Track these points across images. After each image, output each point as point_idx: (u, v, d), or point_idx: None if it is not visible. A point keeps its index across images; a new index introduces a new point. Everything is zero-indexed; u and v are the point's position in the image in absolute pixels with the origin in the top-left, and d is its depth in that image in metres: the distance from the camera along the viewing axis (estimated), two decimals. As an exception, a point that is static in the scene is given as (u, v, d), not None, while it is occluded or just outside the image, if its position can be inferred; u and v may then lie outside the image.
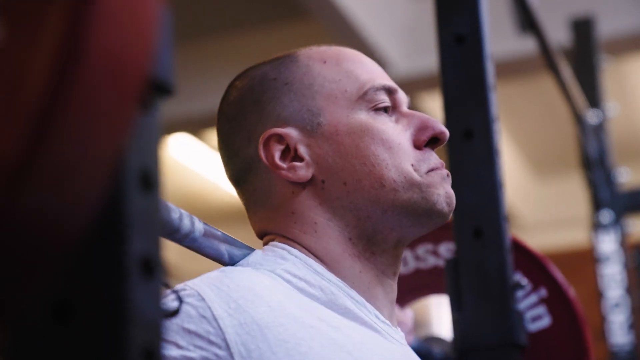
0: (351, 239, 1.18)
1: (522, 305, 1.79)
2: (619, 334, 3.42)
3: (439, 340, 1.89)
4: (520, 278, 1.74)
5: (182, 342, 1.00)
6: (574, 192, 6.36)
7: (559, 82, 2.99)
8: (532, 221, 7.73)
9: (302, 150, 1.19)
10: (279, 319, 1.05)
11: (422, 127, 1.21)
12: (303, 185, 1.19)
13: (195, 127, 5.65)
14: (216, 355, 1.00)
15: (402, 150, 1.18)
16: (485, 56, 1.55)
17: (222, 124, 1.26)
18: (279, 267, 1.15)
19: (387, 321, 1.18)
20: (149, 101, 0.57)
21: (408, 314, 1.62)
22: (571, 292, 1.82)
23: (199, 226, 1.10)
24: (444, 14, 1.58)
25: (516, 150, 7.63)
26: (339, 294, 1.14)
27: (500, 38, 2.94)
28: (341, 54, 1.25)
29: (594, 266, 3.52)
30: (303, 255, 1.17)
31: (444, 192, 1.19)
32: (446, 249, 1.90)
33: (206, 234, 1.11)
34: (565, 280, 1.83)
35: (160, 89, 0.58)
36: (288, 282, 1.13)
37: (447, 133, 1.23)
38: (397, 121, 1.22)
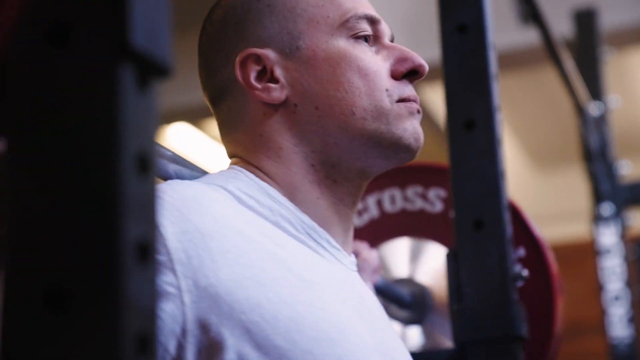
0: (314, 165, 1.19)
1: None
2: (618, 327, 3.43)
3: (408, 282, 1.89)
4: (520, 269, 1.76)
5: None
6: (574, 185, 6.35)
7: (560, 74, 2.99)
8: (532, 214, 7.74)
9: (279, 72, 1.19)
10: (223, 230, 1.05)
11: (401, 59, 1.22)
12: (275, 107, 1.19)
13: (195, 116, 5.63)
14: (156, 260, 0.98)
15: (378, 77, 1.19)
16: (488, 46, 1.54)
17: (203, 43, 1.26)
18: (231, 184, 1.15)
19: (338, 246, 1.19)
20: (146, 82, 0.56)
21: (373, 254, 1.61)
22: (549, 255, 1.85)
23: None
24: (447, 3, 1.58)
25: (516, 143, 7.62)
26: (287, 217, 1.15)
27: (502, 29, 2.92)
28: None
29: (594, 259, 3.53)
30: (258, 179, 1.17)
31: (411, 127, 1.20)
32: (435, 194, 1.93)
33: None
34: (544, 241, 1.87)
35: (158, 70, 0.57)
36: (237, 198, 1.13)
37: (426, 67, 1.23)
38: (377, 52, 1.22)
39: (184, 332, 0.98)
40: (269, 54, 1.20)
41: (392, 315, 1.90)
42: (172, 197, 1.04)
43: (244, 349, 0.99)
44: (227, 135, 1.24)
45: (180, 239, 1.01)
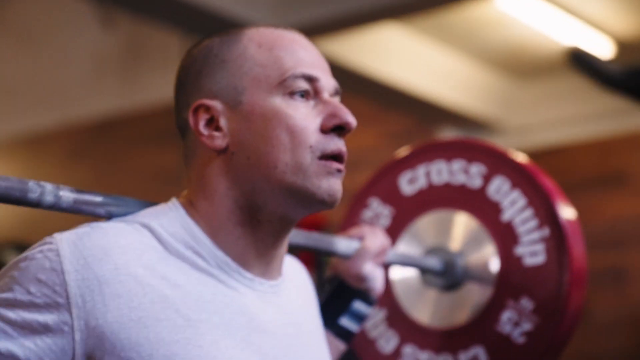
0: (242, 207, 1.38)
1: (525, 239, 2.02)
2: None
3: (442, 251, 2.09)
4: (529, 213, 1.99)
5: (32, 289, 1.25)
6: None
7: None
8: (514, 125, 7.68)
9: (223, 122, 1.39)
10: (120, 277, 1.27)
11: (331, 115, 1.40)
12: (218, 153, 1.39)
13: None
14: (56, 302, 1.24)
15: (304, 135, 1.37)
16: None
17: (175, 84, 1.47)
18: (155, 221, 1.36)
19: (252, 276, 1.40)
20: None
21: (376, 240, 1.84)
22: (572, 237, 2.00)
23: (67, 198, 1.34)
24: None
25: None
26: (201, 252, 1.36)
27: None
28: (277, 39, 1.42)
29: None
30: (187, 216, 1.39)
31: (326, 185, 1.38)
32: (477, 170, 2.10)
33: (76, 203, 1.35)
34: (571, 223, 2.02)
35: None
36: (157, 235, 1.35)
37: (353, 123, 1.40)
38: (315, 105, 1.40)
39: None
40: (217, 105, 1.39)
41: (427, 283, 2.12)
42: (84, 245, 1.28)
43: None
44: (185, 167, 1.45)
45: (80, 285, 1.25)
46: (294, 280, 1.57)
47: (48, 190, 1.31)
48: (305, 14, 4.83)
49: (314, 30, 4.92)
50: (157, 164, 7.53)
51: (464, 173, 2.12)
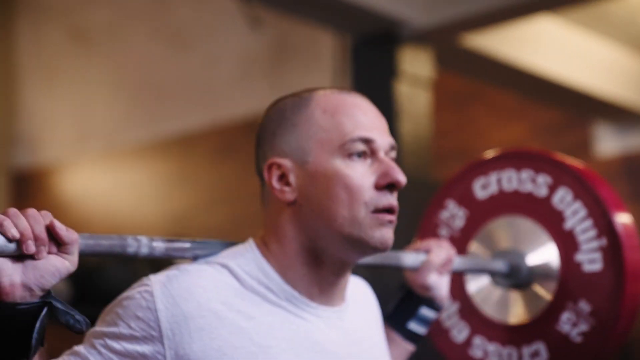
0: (307, 250, 1.62)
1: (585, 247, 2.21)
2: None
3: (510, 254, 2.30)
4: (589, 224, 2.19)
5: (132, 324, 1.51)
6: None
7: None
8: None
9: (292, 178, 1.62)
10: (202, 312, 1.53)
11: (384, 174, 1.61)
12: (288, 204, 1.63)
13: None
14: (152, 335, 1.51)
15: (360, 192, 1.59)
16: None
17: (255, 138, 1.71)
18: (233, 261, 1.61)
19: (316, 305, 1.64)
20: None
21: (441, 254, 2.05)
22: (628, 251, 2.17)
23: (160, 248, 1.58)
24: None
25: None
26: (272, 287, 1.60)
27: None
28: (340, 105, 1.64)
29: None
30: (261, 256, 1.63)
31: (378, 235, 1.61)
32: (543, 180, 2.29)
33: (168, 250, 1.59)
34: (626, 236, 2.19)
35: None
36: (234, 273, 1.60)
37: (403, 181, 1.61)
38: (371, 164, 1.62)
39: None
40: (287, 163, 1.62)
41: (496, 283, 2.33)
42: (172, 286, 1.53)
43: None
44: (262, 211, 1.68)
45: (170, 320, 1.51)
46: (358, 301, 1.81)
47: (143, 243, 1.56)
48: (457, 9, 4.87)
49: (466, 25, 4.99)
50: None
51: (531, 182, 2.31)
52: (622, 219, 2.21)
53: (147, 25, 8.62)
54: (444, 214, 2.44)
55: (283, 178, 1.63)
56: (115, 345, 1.52)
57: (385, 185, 1.61)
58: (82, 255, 1.46)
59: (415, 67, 4.99)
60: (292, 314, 1.62)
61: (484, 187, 2.38)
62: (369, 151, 1.63)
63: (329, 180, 1.60)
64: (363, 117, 1.64)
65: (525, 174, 2.32)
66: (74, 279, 4.65)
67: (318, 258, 1.63)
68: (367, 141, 1.62)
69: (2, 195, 9.69)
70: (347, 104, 1.65)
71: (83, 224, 8.60)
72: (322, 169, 1.61)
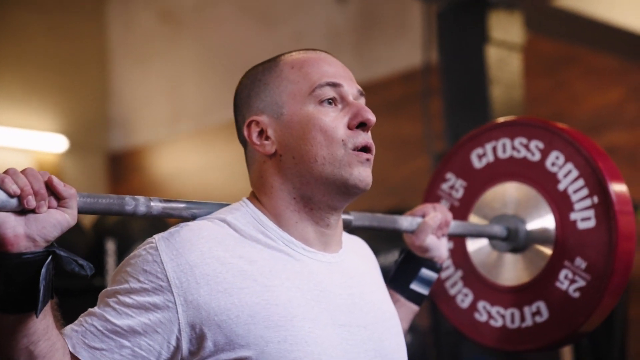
0: (295, 198, 1.73)
1: (578, 206, 2.29)
2: None
3: (508, 218, 2.38)
4: (581, 183, 2.27)
5: (141, 278, 1.61)
6: None
7: None
8: None
9: (270, 132, 1.74)
10: (206, 260, 1.62)
11: (354, 114, 1.72)
12: (269, 157, 1.74)
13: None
14: (161, 286, 1.60)
15: (335, 133, 1.70)
16: None
17: (233, 107, 1.83)
18: (230, 215, 1.72)
19: (315, 251, 1.74)
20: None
21: (437, 216, 2.13)
22: (617, 203, 2.25)
23: (157, 207, 1.68)
24: None
25: None
26: (270, 235, 1.70)
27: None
28: (306, 60, 1.76)
29: None
30: (255, 208, 1.74)
31: (356, 173, 1.71)
32: (535, 145, 2.38)
33: (165, 210, 1.69)
34: (617, 193, 2.26)
35: None
36: (232, 225, 1.70)
37: (373, 119, 1.73)
38: (342, 109, 1.73)
39: (179, 330, 1.59)
40: (264, 119, 1.74)
41: (495, 248, 2.41)
42: (175, 239, 1.63)
43: (218, 338, 1.59)
44: (248, 172, 1.79)
45: (176, 269, 1.60)
46: (358, 253, 1.91)
47: (141, 202, 1.66)
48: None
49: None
50: (394, 133, 7.76)
51: (524, 148, 2.40)
52: (611, 176, 2.29)
53: (234, 4, 8.85)
54: (444, 186, 2.53)
55: (262, 133, 1.74)
56: (128, 299, 1.61)
57: (357, 124, 1.72)
58: (82, 213, 1.56)
59: (506, 32, 4.94)
60: (293, 258, 1.71)
61: (480, 157, 2.47)
62: (339, 97, 1.74)
63: (305, 126, 1.71)
64: (328, 67, 1.76)
65: (518, 141, 2.41)
66: None
67: (307, 205, 1.73)
68: (334, 85, 1.74)
69: (99, 175, 10.10)
70: (313, 58, 1.77)
71: (176, 202, 8.83)
72: (297, 117, 1.72)
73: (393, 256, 5.48)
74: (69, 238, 4.28)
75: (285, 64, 1.77)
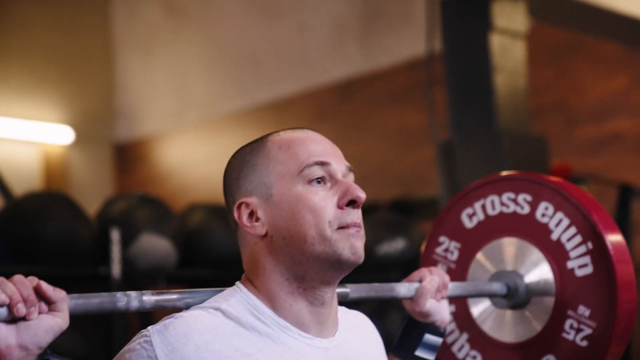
0: (288, 279, 1.71)
1: (573, 253, 2.28)
2: None
3: (506, 275, 2.37)
4: (574, 231, 2.27)
5: None
6: None
7: None
8: None
9: (260, 213, 1.72)
10: (201, 355, 1.60)
11: (343, 193, 1.71)
12: (261, 238, 1.72)
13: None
14: None
15: (323, 213, 1.69)
16: None
17: (223, 188, 1.81)
18: (225, 303, 1.70)
19: (311, 336, 1.72)
20: None
21: (434, 279, 2.12)
22: (612, 248, 2.24)
23: (150, 300, 1.66)
24: None
25: None
26: (266, 321, 1.68)
27: None
28: (293, 139, 1.75)
29: None
30: (250, 293, 1.72)
31: (348, 245, 1.69)
32: (523, 198, 2.38)
33: (158, 303, 1.68)
34: (609, 236, 2.25)
35: None
36: (227, 314, 1.68)
37: (363, 197, 1.71)
38: (332, 187, 1.72)
39: None
40: (254, 200, 1.73)
41: (497, 305, 2.39)
42: (169, 333, 1.61)
43: None
44: (241, 254, 1.78)
45: None
46: (357, 331, 1.88)
47: (133, 297, 1.64)
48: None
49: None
50: (398, 123, 7.77)
51: (513, 203, 2.39)
52: (602, 219, 2.28)
53: (239, -4, 8.89)
54: (439, 250, 2.53)
55: (252, 215, 1.73)
56: None
57: (347, 203, 1.71)
58: (74, 315, 1.55)
59: (510, 20, 4.92)
60: (289, 348, 1.69)
61: (470, 217, 2.47)
62: (327, 176, 1.73)
63: (294, 206, 1.70)
64: (316, 146, 1.75)
65: (506, 196, 2.41)
66: (178, 243, 4.88)
67: (300, 285, 1.71)
68: (322, 164, 1.73)
69: (106, 166, 10.21)
70: (300, 137, 1.77)
71: (183, 191, 9.12)
72: (286, 198, 1.71)
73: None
74: (73, 231, 4.37)
75: (273, 145, 1.76)
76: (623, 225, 5.13)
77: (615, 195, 5.30)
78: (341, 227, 1.69)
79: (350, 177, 1.77)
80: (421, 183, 7.00)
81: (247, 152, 1.78)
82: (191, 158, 9.42)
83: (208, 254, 5.05)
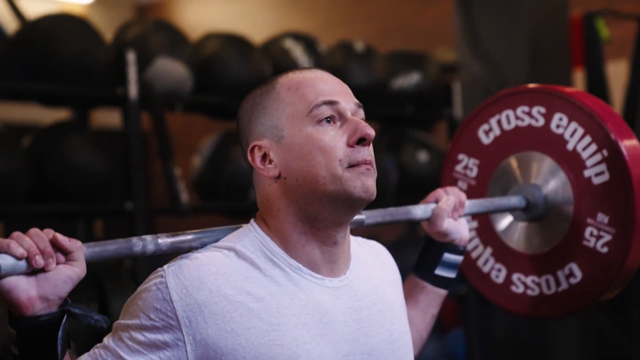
0: (301, 220, 1.73)
1: (589, 162, 2.30)
2: None
3: (526, 188, 2.40)
4: (588, 140, 2.28)
5: (152, 315, 1.64)
6: None
7: None
8: None
9: (272, 155, 1.74)
10: (214, 298, 1.64)
11: (352, 131, 1.72)
12: (275, 179, 1.74)
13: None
14: (170, 324, 1.63)
15: (334, 152, 1.69)
16: None
17: (238, 133, 1.83)
18: (239, 244, 1.73)
19: (322, 276, 1.75)
20: None
21: (450, 199, 2.14)
22: (628, 153, 2.25)
23: (165, 243, 1.71)
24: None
25: None
26: (278, 262, 1.72)
27: None
28: (301, 80, 1.76)
29: None
30: (263, 233, 1.75)
31: (360, 184, 1.70)
32: (537, 111, 2.40)
33: (174, 245, 1.72)
34: (624, 142, 2.27)
35: None
36: (241, 255, 1.71)
37: (372, 134, 1.71)
38: (341, 126, 1.73)
39: None
40: (265, 143, 1.74)
41: (518, 219, 2.44)
42: (184, 276, 1.65)
43: None
44: (255, 195, 1.81)
45: (185, 309, 1.63)
46: (372, 264, 1.91)
47: (148, 241, 1.70)
48: None
49: None
50: None
51: (528, 116, 2.41)
52: (615, 126, 2.30)
53: None
54: (458, 168, 2.56)
55: (265, 157, 1.75)
56: (139, 336, 1.65)
57: (356, 141, 1.72)
58: (91, 263, 1.60)
59: None
60: (299, 289, 1.72)
61: (487, 133, 2.49)
62: (337, 115, 1.74)
63: (304, 147, 1.71)
64: (324, 85, 1.76)
65: (520, 109, 2.43)
66: (194, 70, 4.86)
67: (313, 225, 1.73)
68: (331, 103, 1.73)
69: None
70: (308, 78, 1.77)
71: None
72: (297, 139, 1.72)
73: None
74: (90, 52, 4.39)
75: (282, 87, 1.77)
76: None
77: (634, 28, 5.11)
78: (352, 166, 1.71)
79: (360, 113, 1.78)
80: (442, 38, 6.73)
81: (257, 95, 1.80)
82: (212, 19, 9.38)
83: (224, 81, 4.99)
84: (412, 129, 6.00)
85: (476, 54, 4.61)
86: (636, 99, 4.75)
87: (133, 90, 4.55)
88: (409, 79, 5.75)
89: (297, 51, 5.31)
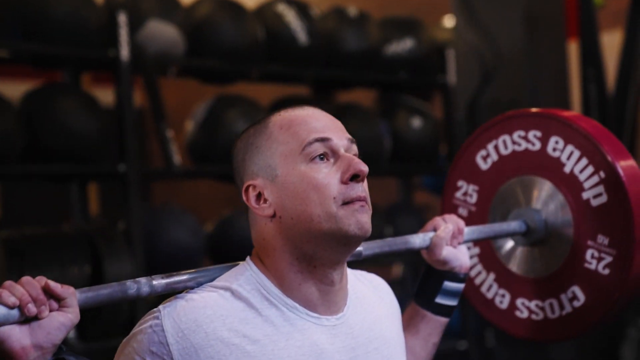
0: (297, 258, 1.73)
1: (587, 184, 2.30)
2: None
3: (524, 212, 2.40)
4: (585, 162, 2.28)
5: (148, 359, 1.65)
6: None
7: None
8: None
9: (267, 194, 1.74)
10: (210, 342, 1.65)
11: (346, 168, 1.72)
12: (270, 218, 1.74)
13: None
14: None
15: (328, 189, 1.70)
16: None
17: (233, 171, 1.84)
18: (235, 283, 1.74)
19: (319, 315, 1.75)
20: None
21: (448, 227, 2.13)
22: (625, 174, 2.25)
23: (160, 284, 1.71)
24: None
25: None
26: (274, 302, 1.72)
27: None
28: (293, 119, 1.77)
29: None
30: (259, 272, 1.76)
31: (354, 221, 1.70)
32: (533, 135, 2.40)
33: (168, 286, 1.72)
34: (620, 163, 2.26)
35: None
36: (237, 295, 1.72)
37: (365, 170, 1.72)
38: (335, 162, 1.73)
39: None
40: (260, 182, 1.75)
41: (519, 243, 2.43)
42: (180, 319, 1.66)
43: None
44: (251, 234, 1.81)
45: (182, 352, 1.64)
46: (367, 298, 1.91)
47: (143, 284, 1.70)
48: None
49: None
50: None
51: (524, 140, 2.41)
52: (612, 147, 2.30)
53: None
54: (458, 194, 2.56)
55: (260, 197, 1.75)
56: None
57: (350, 177, 1.72)
58: (85, 308, 1.60)
59: None
60: (295, 329, 1.73)
61: (485, 159, 2.49)
62: (330, 151, 1.74)
63: (298, 186, 1.71)
64: (316, 123, 1.76)
65: (517, 134, 2.43)
66: (187, 33, 4.87)
67: (309, 264, 1.74)
68: (323, 140, 1.74)
69: None
70: (300, 116, 1.78)
71: None
72: (291, 178, 1.72)
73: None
74: (81, 13, 4.38)
75: (275, 125, 1.78)
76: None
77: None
78: (346, 203, 1.71)
79: (353, 149, 1.78)
80: (436, 11, 6.79)
81: (250, 134, 1.80)
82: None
83: (217, 45, 4.97)
84: (406, 95, 6.01)
85: (471, 23, 4.62)
86: (630, 69, 4.74)
87: (125, 52, 4.54)
88: (403, 45, 5.75)
89: (290, 15, 5.28)
